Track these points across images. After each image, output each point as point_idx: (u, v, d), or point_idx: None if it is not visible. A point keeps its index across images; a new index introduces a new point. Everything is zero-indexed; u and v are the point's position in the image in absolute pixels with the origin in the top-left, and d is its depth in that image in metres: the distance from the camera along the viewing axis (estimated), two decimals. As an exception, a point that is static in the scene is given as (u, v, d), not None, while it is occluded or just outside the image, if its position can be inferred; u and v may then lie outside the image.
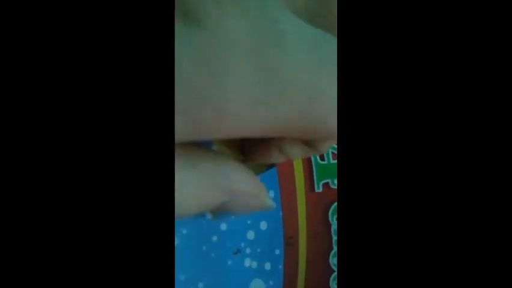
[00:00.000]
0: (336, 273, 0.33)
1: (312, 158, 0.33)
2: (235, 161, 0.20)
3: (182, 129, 0.16)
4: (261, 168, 0.32)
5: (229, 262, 0.31)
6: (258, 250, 0.31)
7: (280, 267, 0.32)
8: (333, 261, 0.33)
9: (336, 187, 0.33)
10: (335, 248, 0.33)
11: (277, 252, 0.32)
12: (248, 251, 0.31)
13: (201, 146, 0.19)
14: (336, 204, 0.33)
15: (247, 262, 0.31)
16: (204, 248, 0.30)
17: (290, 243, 0.32)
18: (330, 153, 0.34)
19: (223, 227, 0.31)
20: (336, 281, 0.33)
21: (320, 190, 0.33)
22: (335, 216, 0.33)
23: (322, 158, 0.33)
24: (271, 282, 0.32)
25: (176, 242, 0.30)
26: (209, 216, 0.31)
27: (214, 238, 0.31)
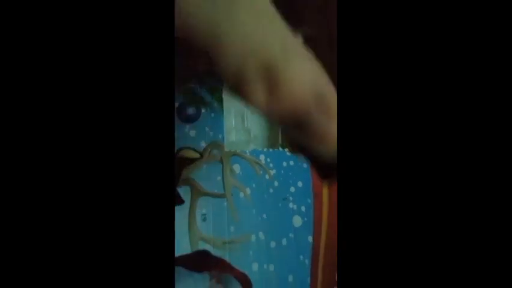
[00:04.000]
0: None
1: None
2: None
3: None
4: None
5: (280, 205, 0.52)
6: (297, 199, 0.52)
7: (311, 210, 0.52)
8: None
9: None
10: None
11: (308, 200, 0.52)
12: (291, 198, 0.52)
13: None
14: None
15: (291, 205, 0.52)
16: (265, 196, 0.51)
17: (317, 195, 0.52)
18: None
19: (276, 183, 0.52)
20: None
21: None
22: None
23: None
24: (305, 219, 0.52)
25: (250, 192, 0.51)
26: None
27: (271, 190, 0.52)
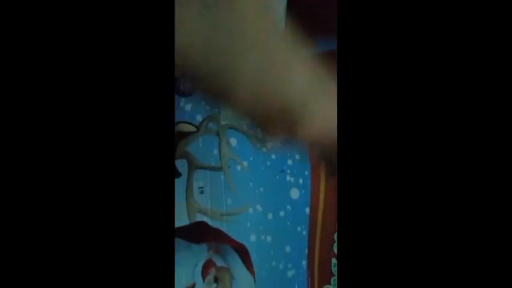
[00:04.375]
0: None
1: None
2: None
3: None
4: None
5: (277, 177, 0.52)
6: (295, 171, 0.52)
7: (308, 182, 0.52)
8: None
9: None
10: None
11: (306, 173, 0.52)
12: (288, 171, 0.52)
13: None
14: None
15: (288, 177, 0.52)
16: (262, 168, 0.52)
17: (314, 167, 0.52)
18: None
19: (273, 156, 0.52)
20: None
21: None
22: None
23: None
24: (303, 191, 0.52)
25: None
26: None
27: (268, 163, 0.52)
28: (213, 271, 0.48)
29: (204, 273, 0.48)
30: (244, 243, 0.49)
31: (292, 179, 0.52)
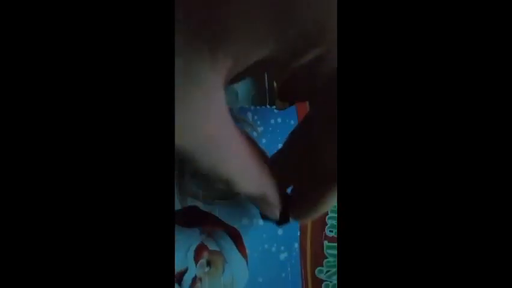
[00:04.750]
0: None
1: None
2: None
3: None
4: (284, 106, 0.53)
5: None
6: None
7: None
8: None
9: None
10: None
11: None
12: None
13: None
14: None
15: None
16: None
17: None
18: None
19: (264, 140, 0.52)
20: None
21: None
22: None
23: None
24: None
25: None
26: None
27: (259, 147, 0.52)
28: (205, 255, 0.48)
29: (197, 257, 0.48)
30: (236, 226, 0.50)
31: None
